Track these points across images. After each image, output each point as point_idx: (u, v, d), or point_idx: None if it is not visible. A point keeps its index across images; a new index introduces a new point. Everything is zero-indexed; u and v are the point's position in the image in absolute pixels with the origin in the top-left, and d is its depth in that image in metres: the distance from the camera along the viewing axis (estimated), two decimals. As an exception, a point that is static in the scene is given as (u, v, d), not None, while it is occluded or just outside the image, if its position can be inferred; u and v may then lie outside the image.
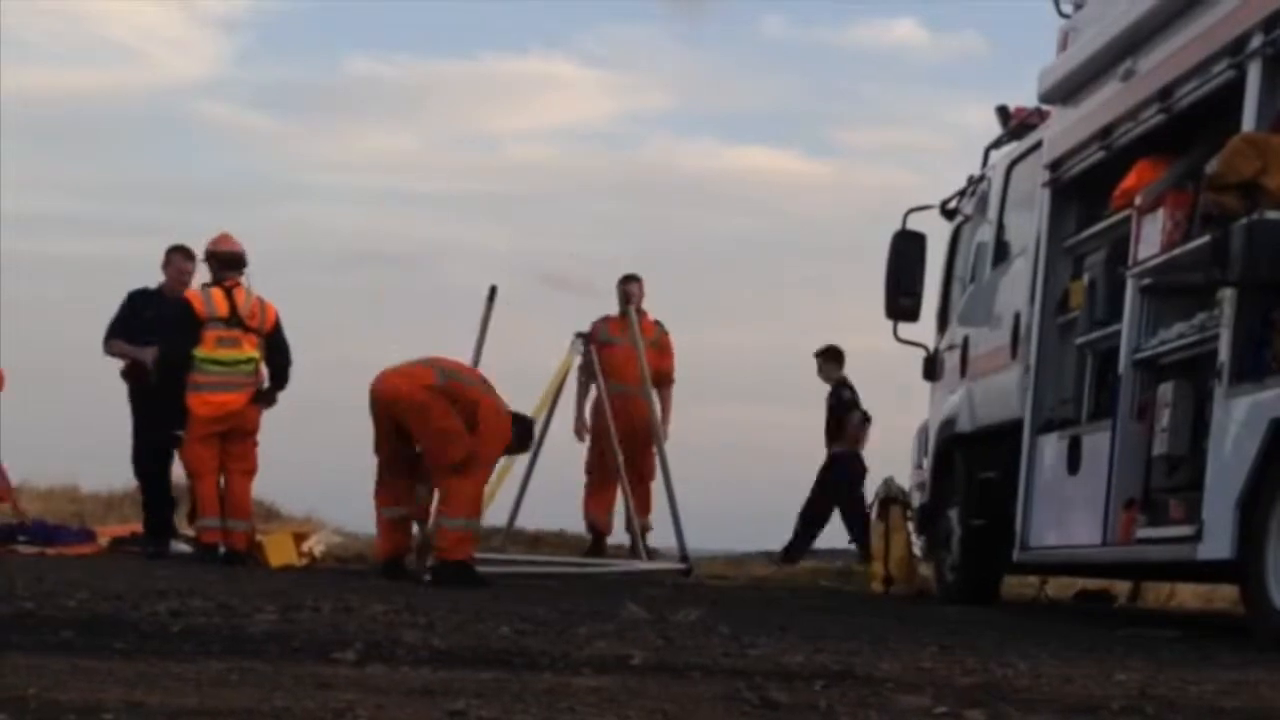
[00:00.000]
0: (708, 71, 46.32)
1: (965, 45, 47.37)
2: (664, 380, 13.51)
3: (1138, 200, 8.52)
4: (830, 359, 14.66)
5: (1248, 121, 7.54)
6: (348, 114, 47.18)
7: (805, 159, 47.39)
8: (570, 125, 46.76)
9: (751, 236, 41.66)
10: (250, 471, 12.16)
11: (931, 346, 12.44)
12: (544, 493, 13.53)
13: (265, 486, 17.89)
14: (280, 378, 12.19)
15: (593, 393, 13.32)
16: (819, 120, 46.93)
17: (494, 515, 12.48)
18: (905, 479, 12.88)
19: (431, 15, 46.01)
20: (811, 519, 14.41)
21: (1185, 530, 7.77)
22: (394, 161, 44.57)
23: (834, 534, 16.46)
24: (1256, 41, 7.57)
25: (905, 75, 46.69)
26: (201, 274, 12.28)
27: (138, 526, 14.29)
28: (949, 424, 11.57)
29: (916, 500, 12.44)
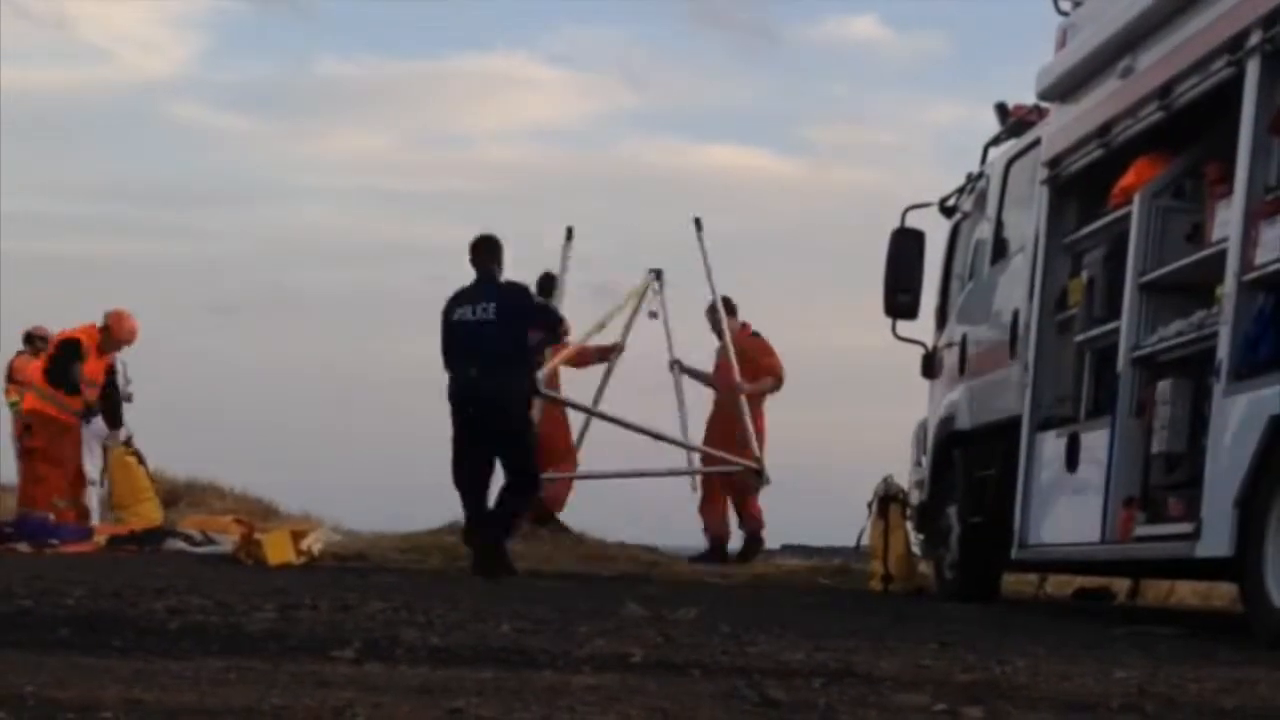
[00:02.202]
0: (671, 70, 46.37)
1: (927, 43, 47.49)
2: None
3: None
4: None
5: (1246, 118, 7.54)
6: (317, 114, 47.18)
7: (776, 157, 47.41)
8: (540, 125, 46.82)
9: (725, 235, 41.64)
10: None
11: (930, 344, 12.44)
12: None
13: (265, 485, 17.93)
14: None
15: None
16: (787, 119, 46.93)
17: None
18: (904, 477, 12.87)
19: (392, 15, 46.02)
20: None
21: (1184, 528, 7.76)
22: (367, 161, 44.67)
23: (835, 532, 16.48)
24: (1255, 38, 7.56)
25: (870, 73, 46.69)
26: None
27: (135, 525, 14.34)
28: (948, 422, 11.56)
29: (915, 498, 12.43)
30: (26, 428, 14.89)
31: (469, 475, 11.26)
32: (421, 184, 45.28)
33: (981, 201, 11.59)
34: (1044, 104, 10.65)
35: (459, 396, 11.19)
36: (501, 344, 11.10)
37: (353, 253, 43.37)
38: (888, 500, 12.63)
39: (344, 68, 45.81)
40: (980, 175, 11.79)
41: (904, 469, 13.01)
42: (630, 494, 15.29)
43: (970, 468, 11.09)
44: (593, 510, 14.61)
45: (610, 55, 47.17)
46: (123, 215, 43.49)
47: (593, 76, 47.22)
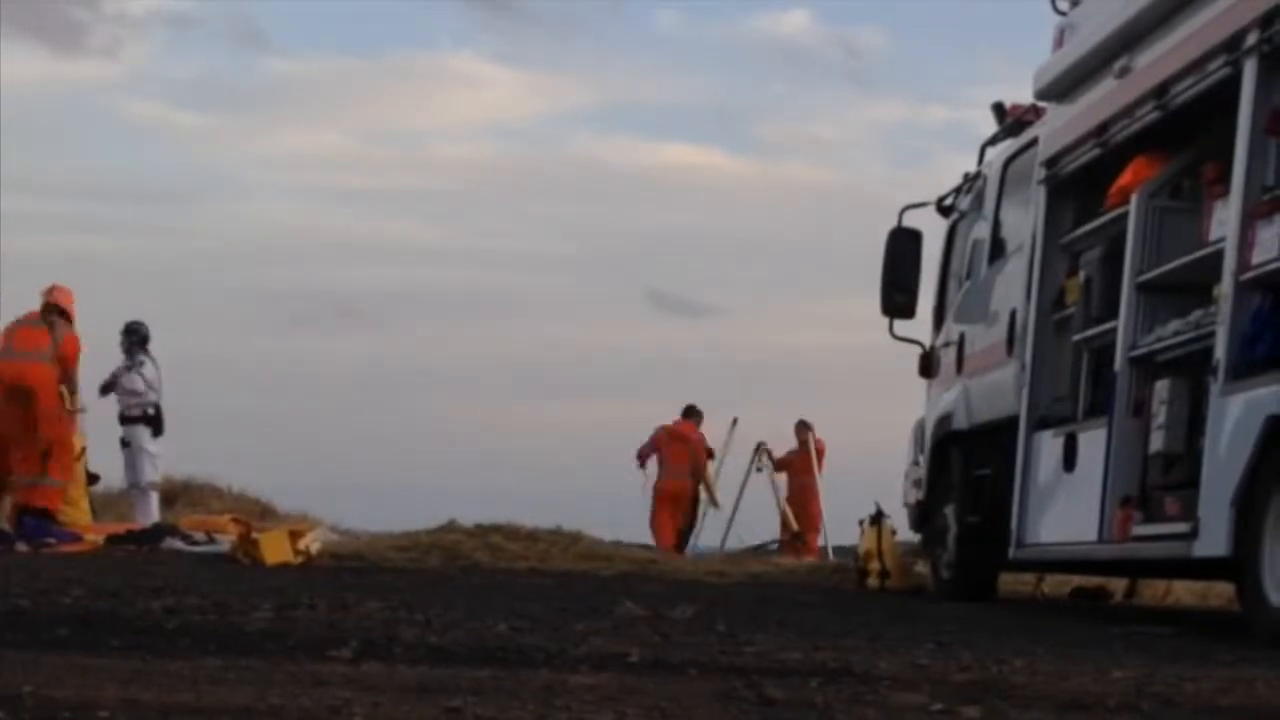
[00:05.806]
0: (612, 69, 46.17)
1: (863, 38, 47.34)
2: None
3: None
4: None
5: (1244, 118, 7.54)
6: (268, 111, 46.78)
7: (727, 155, 47.25)
8: (490, 123, 46.49)
9: (681, 233, 41.61)
10: None
11: (927, 343, 12.44)
12: (546, 492, 13.64)
13: (262, 485, 17.93)
14: None
15: None
16: (733, 116, 46.72)
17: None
18: (900, 477, 12.87)
19: (337, 11, 45.81)
20: None
21: (1181, 527, 7.77)
22: (323, 160, 44.42)
23: (833, 532, 16.48)
24: (1253, 38, 7.56)
25: (809, 69, 46.41)
26: None
27: (133, 525, 14.34)
28: (945, 421, 11.56)
29: (912, 497, 12.43)
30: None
31: None
32: (382, 182, 45.06)
33: (979, 201, 11.59)
34: (1041, 104, 10.65)
35: None
36: None
37: (312, 250, 43.21)
38: (879, 518, 12.72)
39: (289, 65, 45.49)
40: (977, 175, 11.79)
41: (901, 469, 13.01)
42: (631, 494, 15.33)
43: (968, 467, 11.09)
44: (593, 510, 14.65)
45: (559, 53, 47.08)
46: (78, 212, 43.25)
47: (542, 75, 47.14)
